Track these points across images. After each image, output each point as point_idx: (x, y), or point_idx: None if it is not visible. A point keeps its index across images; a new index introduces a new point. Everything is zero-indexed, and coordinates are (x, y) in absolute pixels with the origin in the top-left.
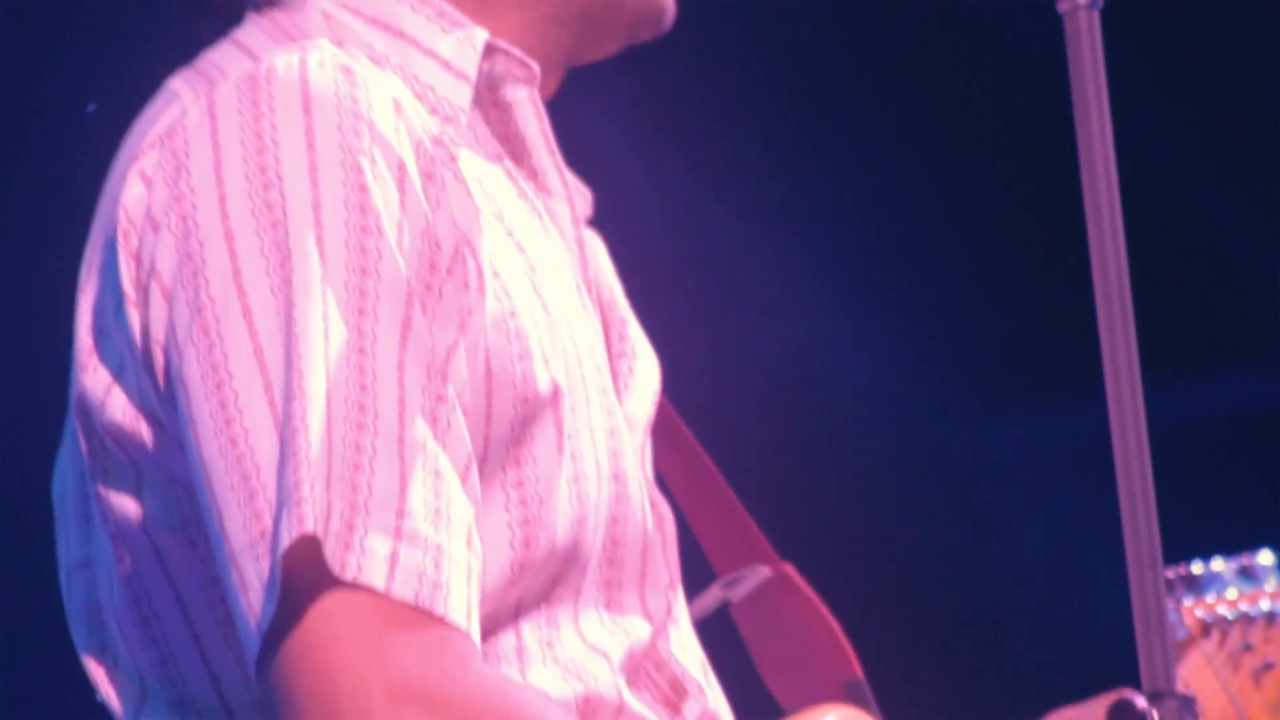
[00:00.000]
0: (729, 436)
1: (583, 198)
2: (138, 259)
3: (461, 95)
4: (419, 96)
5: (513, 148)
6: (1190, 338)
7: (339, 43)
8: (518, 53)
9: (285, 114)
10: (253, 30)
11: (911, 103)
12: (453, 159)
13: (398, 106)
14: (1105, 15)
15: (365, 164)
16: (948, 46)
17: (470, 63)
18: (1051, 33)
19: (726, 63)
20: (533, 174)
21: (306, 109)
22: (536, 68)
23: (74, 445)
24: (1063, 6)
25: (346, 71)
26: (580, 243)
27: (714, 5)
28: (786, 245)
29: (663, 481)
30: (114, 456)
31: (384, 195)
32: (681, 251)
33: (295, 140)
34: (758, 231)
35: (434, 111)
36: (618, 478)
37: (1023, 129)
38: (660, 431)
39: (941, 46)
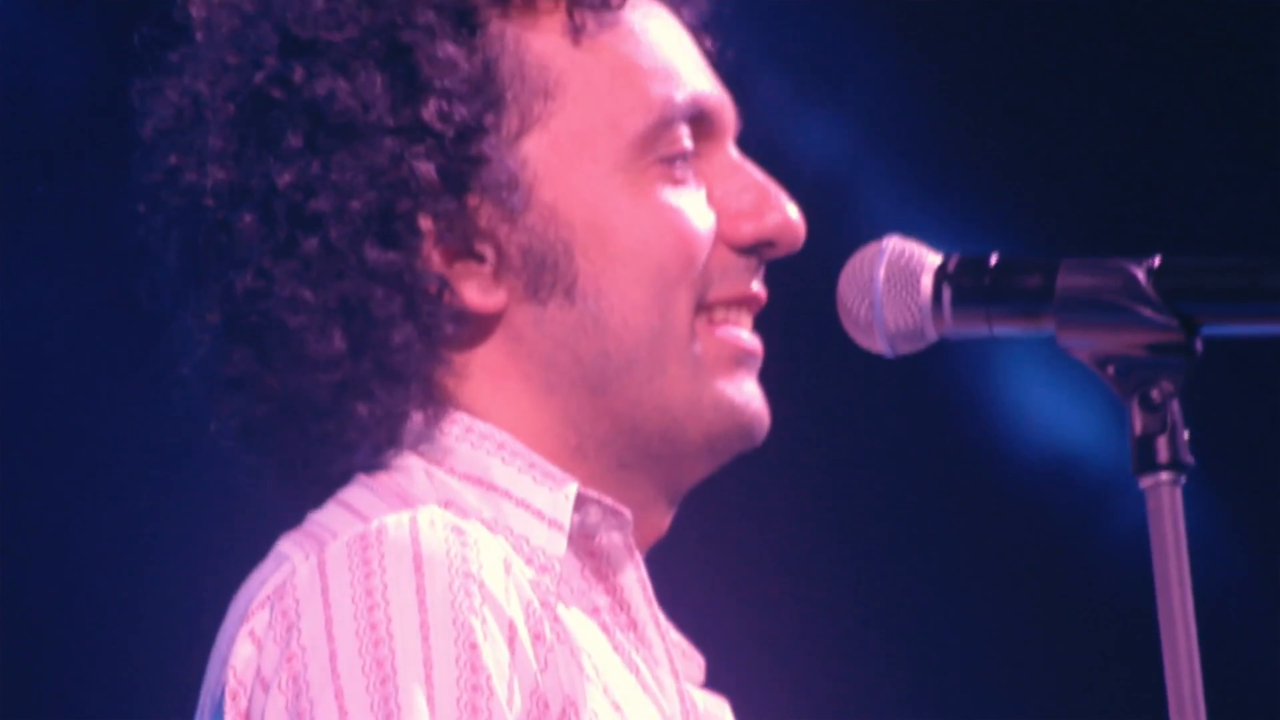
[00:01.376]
0: None
1: (694, 663)
2: (247, 718)
3: (556, 544)
4: (514, 548)
5: (610, 598)
6: None
7: (446, 503)
8: (608, 501)
9: (396, 572)
10: (360, 492)
11: (997, 597)
12: (556, 618)
13: (507, 567)
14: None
15: (476, 623)
16: (1039, 522)
17: (564, 512)
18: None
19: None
20: (631, 625)
21: (418, 567)
22: (628, 514)
23: None
24: (1145, 482)
25: (457, 531)
26: (681, 695)
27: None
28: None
29: None
30: None
31: (494, 654)
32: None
33: (406, 598)
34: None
35: (529, 562)
36: None
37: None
38: None
39: (1033, 521)
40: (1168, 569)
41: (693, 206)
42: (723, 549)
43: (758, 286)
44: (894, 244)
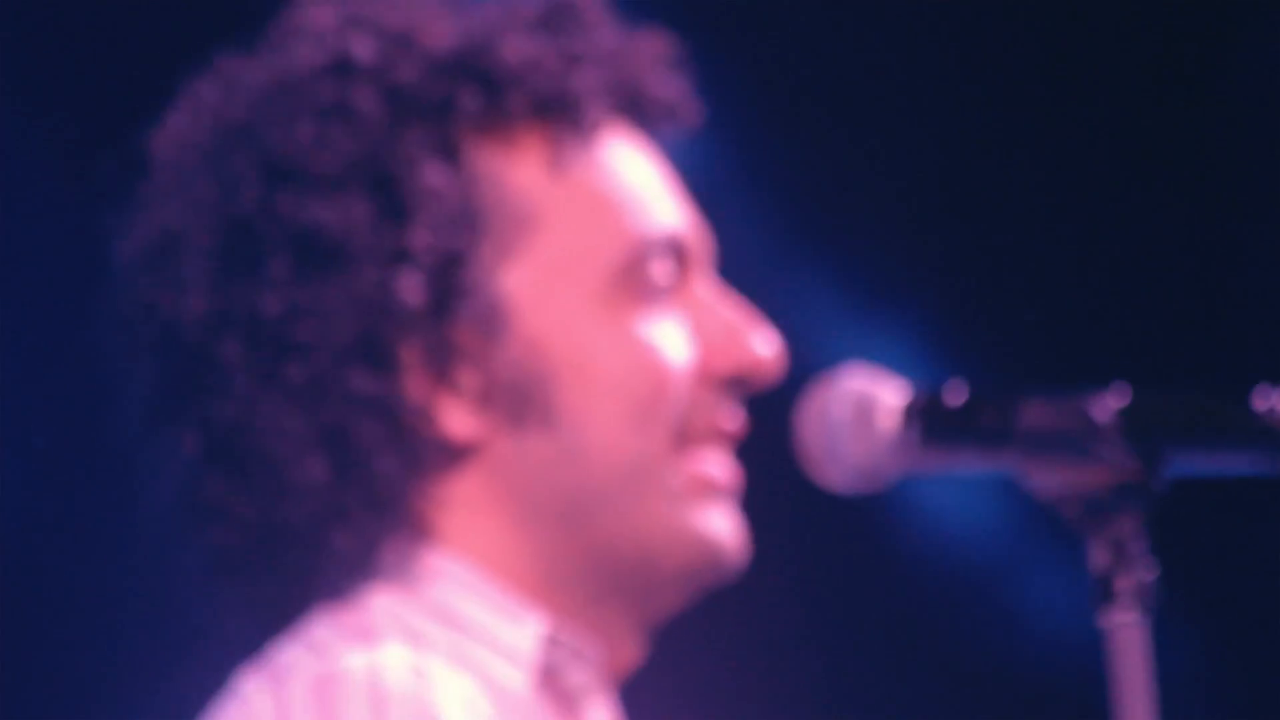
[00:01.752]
0: None
1: None
2: None
3: (518, 683)
4: (478, 686)
5: None
6: None
7: (409, 639)
8: (574, 641)
9: (355, 715)
10: (319, 630)
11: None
12: None
13: (470, 707)
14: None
15: None
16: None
17: (527, 650)
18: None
19: None
20: None
21: (377, 710)
22: (594, 654)
23: None
24: (1107, 622)
25: (418, 672)
26: None
27: None
28: None
29: None
30: None
31: None
32: None
33: None
34: None
35: (494, 703)
36: None
37: None
38: None
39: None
40: (1132, 710)
41: (672, 341)
42: (697, 680)
43: (736, 421)
44: (853, 379)
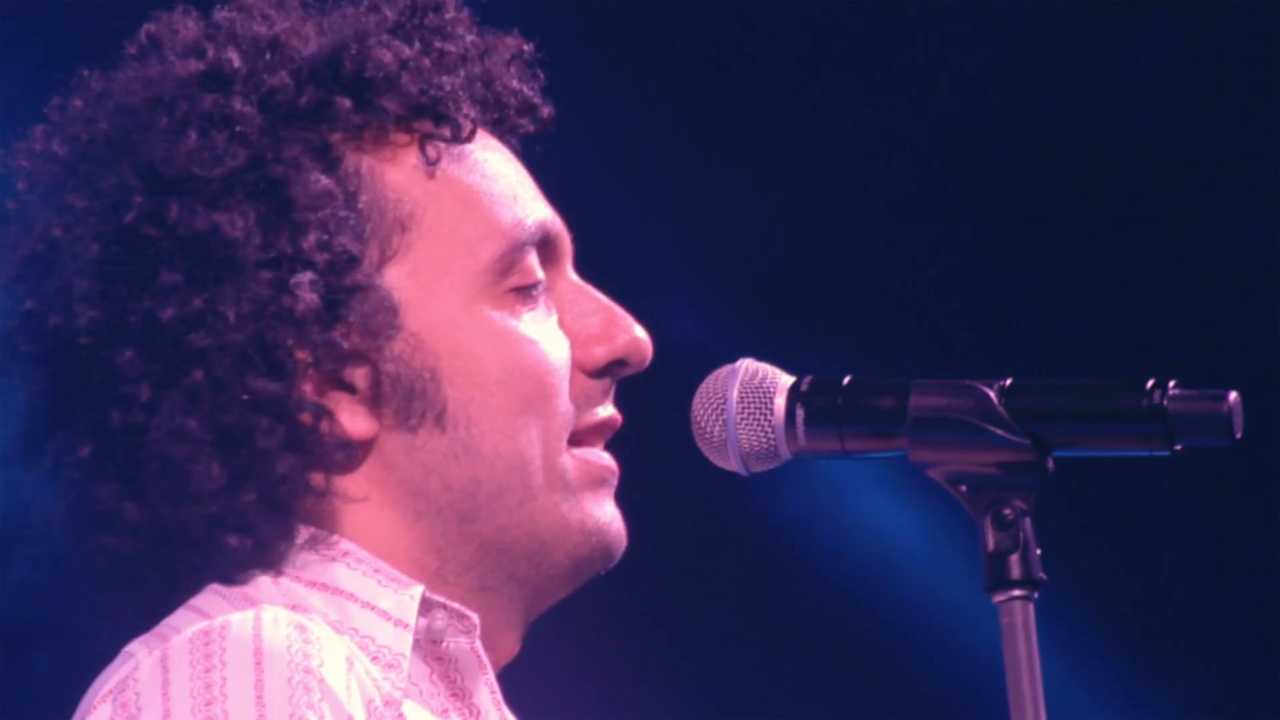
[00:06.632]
0: None
1: None
2: None
3: (402, 642)
4: (360, 648)
5: (459, 702)
6: None
7: (293, 607)
8: (454, 605)
9: (236, 666)
10: (209, 598)
11: None
12: (400, 715)
13: (350, 664)
14: None
15: (313, 718)
16: None
17: (409, 612)
18: None
19: None
20: None
21: (258, 662)
22: (475, 618)
23: None
24: (998, 598)
25: (300, 628)
26: None
27: None
28: None
29: None
30: None
31: None
32: None
33: (244, 693)
34: None
35: (375, 660)
36: None
37: None
38: None
39: None
40: (1021, 685)
41: (550, 336)
42: (573, 664)
43: (613, 410)
44: (747, 365)
